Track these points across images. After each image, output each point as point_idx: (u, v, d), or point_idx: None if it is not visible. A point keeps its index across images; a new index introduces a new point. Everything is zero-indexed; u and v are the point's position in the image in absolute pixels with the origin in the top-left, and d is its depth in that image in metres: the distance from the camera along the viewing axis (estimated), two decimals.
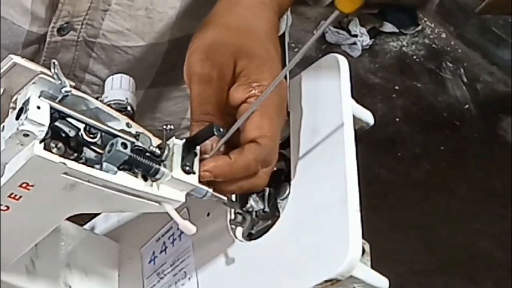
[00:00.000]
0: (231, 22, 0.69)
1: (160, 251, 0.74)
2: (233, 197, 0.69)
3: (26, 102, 0.56)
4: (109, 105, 0.64)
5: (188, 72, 0.67)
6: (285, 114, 0.67)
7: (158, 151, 0.62)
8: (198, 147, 0.64)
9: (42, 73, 0.60)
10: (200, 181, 0.63)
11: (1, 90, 0.60)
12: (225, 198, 0.66)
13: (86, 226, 0.81)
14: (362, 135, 0.68)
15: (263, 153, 0.64)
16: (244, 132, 0.64)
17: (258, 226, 0.68)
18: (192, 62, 0.67)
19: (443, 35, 2.87)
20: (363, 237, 0.59)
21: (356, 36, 2.73)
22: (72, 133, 0.60)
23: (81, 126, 0.60)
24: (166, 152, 0.62)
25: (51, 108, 0.57)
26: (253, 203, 0.68)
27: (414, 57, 2.79)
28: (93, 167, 0.58)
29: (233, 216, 0.68)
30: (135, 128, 0.62)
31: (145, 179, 0.61)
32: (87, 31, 0.82)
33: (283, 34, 0.75)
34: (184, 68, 0.68)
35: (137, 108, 0.67)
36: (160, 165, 0.61)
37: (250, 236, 0.68)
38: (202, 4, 0.77)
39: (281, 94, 0.66)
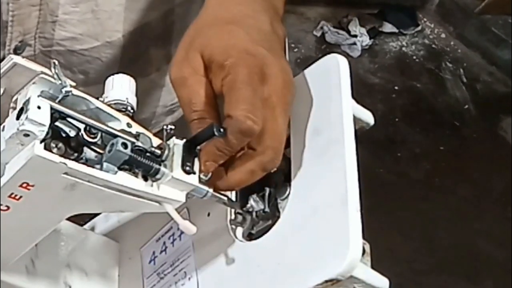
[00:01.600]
0: (198, 22, 0.70)
1: (160, 251, 0.74)
2: (233, 197, 0.69)
3: (27, 102, 0.56)
4: (109, 105, 0.64)
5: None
6: (266, 83, 0.65)
7: (158, 151, 0.62)
8: (198, 147, 0.64)
9: (42, 73, 0.60)
10: (209, 177, 0.63)
11: (1, 90, 0.60)
12: (225, 198, 0.66)
13: (86, 226, 0.81)
14: (362, 135, 0.68)
15: (236, 124, 0.62)
16: (224, 106, 0.64)
17: (258, 226, 0.68)
18: (169, 72, 0.68)
19: (443, 35, 2.87)
20: (363, 237, 0.59)
21: (356, 36, 2.73)
22: (72, 133, 0.60)
23: (82, 126, 0.60)
24: (166, 152, 0.62)
25: (52, 108, 0.57)
26: (253, 203, 0.68)
27: (414, 57, 2.79)
28: (93, 167, 0.58)
29: (233, 216, 0.68)
30: (136, 128, 0.62)
31: (146, 179, 0.61)
32: (42, 43, 0.83)
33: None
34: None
35: None
36: (160, 165, 0.61)
37: (250, 236, 0.68)
38: None
39: (250, 66, 0.64)
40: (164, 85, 0.95)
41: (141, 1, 0.84)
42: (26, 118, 0.55)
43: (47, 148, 0.56)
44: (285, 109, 0.65)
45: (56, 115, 0.58)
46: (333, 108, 0.67)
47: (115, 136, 0.60)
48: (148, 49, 0.89)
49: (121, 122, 0.62)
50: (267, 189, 0.68)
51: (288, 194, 0.67)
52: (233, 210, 0.68)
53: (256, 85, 0.64)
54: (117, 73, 0.68)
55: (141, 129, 0.62)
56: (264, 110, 0.63)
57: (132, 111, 0.65)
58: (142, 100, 0.95)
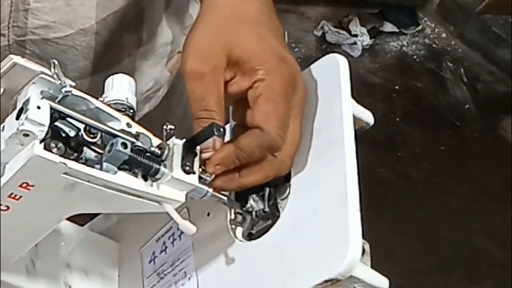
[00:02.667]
0: (219, 14, 0.69)
1: (160, 251, 0.74)
2: (233, 197, 0.69)
3: (26, 102, 0.56)
4: (109, 105, 0.64)
5: (181, 71, 0.67)
6: (295, 93, 0.66)
7: (158, 151, 0.62)
8: (198, 147, 0.64)
9: (42, 73, 0.60)
10: (215, 177, 0.64)
11: (1, 90, 0.60)
12: (225, 198, 0.66)
13: (86, 226, 0.81)
14: (362, 135, 0.68)
15: (266, 139, 0.63)
16: (251, 117, 0.64)
17: (258, 226, 0.68)
18: (183, 61, 0.67)
19: (443, 35, 2.87)
20: (363, 237, 0.59)
21: (356, 36, 2.72)
22: (72, 133, 0.60)
23: (81, 126, 0.60)
24: (166, 152, 0.62)
25: (51, 108, 0.57)
26: (253, 203, 0.68)
27: (414, 57, 2.79)
28: (93, 167, 0.58)
29: (233, 216, 0.68)
30: (135, 128, 0.62)
31: (145, 179, 0.61)
32: (15, 33, 0.83)
33: (283, 34, 0.75)
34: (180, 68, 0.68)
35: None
36: (160, 165, 0.61)
37: (250, 236, 0.68)
38: None
39: (284, 75, 0.65)
40: (136, 70, 0.94)
41: None
42: (26, 118, 0.55)
43: (47, 148, 0.56)
44: (302, 117, 0.67)
45: (56, 115, 0.58)
46: (333, 108, 0.67)
47: (115, 136, 0.60)
48: (121, 35, 0.88)
49: (121, 122, 0.62)
50: (267, 189, 0.68)
51: (288, 194, 0.67)
52: (233, 210, 0.68)
53: (290, 99, 0.65)
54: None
55: (141, 129, 0.62)
56: (290, 120, 0.65)
57: (132, 111, 0.65)
58: None
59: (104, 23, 0.85)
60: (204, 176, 0.63)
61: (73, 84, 0.60)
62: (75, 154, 0.58)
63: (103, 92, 0.67)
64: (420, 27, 2.87)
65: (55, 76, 0.59)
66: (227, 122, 0.68)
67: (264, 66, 0.65)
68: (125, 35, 0.88)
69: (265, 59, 0.65)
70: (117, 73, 0.69)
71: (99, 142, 0.61)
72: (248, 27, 0.67)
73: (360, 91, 2.45)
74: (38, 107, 0.55)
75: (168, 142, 0.62)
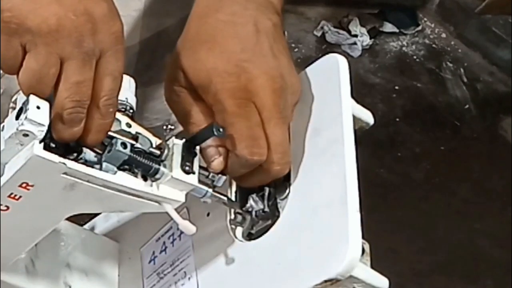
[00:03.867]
0: (185, 34, 0.69)
1: (160, 251, 0.74)
2: (233, 197, 0.69)
3: (26, 102, 0.56)
4: None
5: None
6: (258, 97, 0.64)
7: (157, 151, 0.62)
8: (198, 147, 0.64)
9: None
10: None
11: (1, 90, 0.60)
12: (225, 198, 0.66)
13: (86, 226, 0.81)
14: (362, 135, 0.68)
15: (245, 162, 0.65)
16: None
17: (258, 226, 0.68)
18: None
19: (443, 35, 2.87)
20: (363, 237, 0.59)
21: (356, 36, 2.72)
22: None
23: None
24: (166, 152, 0.62)
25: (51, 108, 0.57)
26: (253, 203, 0.68)
27: (414, 57, 2.78)
28: (92, 167, 0.58)
29: (233, 216, 0.68)
30: (135, 128, 0.62)
31: (145, 179, 0.61)
32: None
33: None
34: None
35: None
36: (160, 165, 0.61)
37: (250, 236, 0.68)
38: (166, 1, 0.77)
39: (235, 89, 0.64)
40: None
41: (159, 7, 0.82)
42: (26, 118, 0.55)
43: (47, 148, 0.56)
44: (281, 117, 0.65)
45: None
46: (332, 108, 0.67)
47: (114, 136, 0.60)
48: (164, 55, 0.88)
49: (120, 122, 0.62)
50: (267, 189, 0.68)
51: (288, 194, 0.67)
52: (232, 210, 0.68)
53: (246, 111, 0.64)
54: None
55: (140, 129, 0.62)
56: (261, 129, 0.64)
57: (131, 111, 0.65)
58: (156, 107, 0.95)
59: (147, 43, 0.84)
60: (210, 174, 0.64)
61: None
62: (75, 154, 0.58)
63: None
64: (420, 27, 2.86)
65: None
66: None
67: (212, 87, 0.64)
68: (168, 56, 0.88)
69: (211, 80, 0.64)
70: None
71: None
72: (199, 48, 0.66)
73: (360, 91, 2.45)
74: (38, 107, 0.55)
75: (168, 142, 0.62)
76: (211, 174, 0.64)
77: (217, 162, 0.65)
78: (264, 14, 0.68)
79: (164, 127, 0.63)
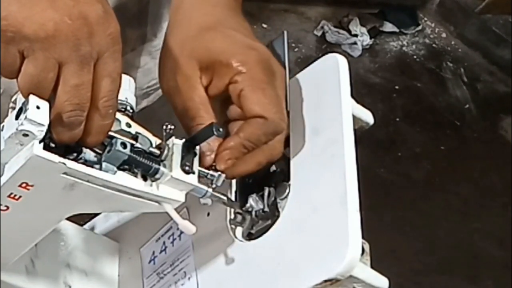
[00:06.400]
0: (181, 29, 0.70)
1: (160, 251, 0.74)
2: (233, 197, 0.69)
3: (26, 102, 0.56)
4: None
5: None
6: (274, 76, 0.68)
7: (157, 151, 0.62)
8: (197, 147, 0.64)
9: None
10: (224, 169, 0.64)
11: (1, 90, 0.60)
12: (225, 198, 0.66)
13: (86, 226, 0.81)
14: (362, 135, 0.68)
15: (271, 126, 0.65)
16: (245, 111, 0.66)
17: (258, 226, 0.68)
18: (159, 82, 0.70)
19: (444, 35, 2.87)
20: (363, 237, 0.59)
21: (356, 36, 2.72)
22: None
23: None
24: (165, 152, 0.62)
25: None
26: (253, 203, 0.68)
27: (414, 57, 2.79)
28: (92, 167, 0.58)
29: (232, 216, 0.68)
30: (135, 128, 0.62)
31: (145, 179, 0.61)
32: None
33: (283, 34, 0.75)
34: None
35: None
36: (159, 165, 0.61)
37: (249, 236, 0.68)
38: None
39: (260, 61, 0.67)
40: (139, 66, 0.94)
41: None
42: (25, 118, 0.55)
43: (46, 148, 0.56)
44: (263, 81, 0.67)
45: None
46: (332, 107, 0.67)
47: (114, 136, 0.60)
48: (124, 29, 0.88)
49: (120, 122, 0.62)
50: (267, 189, 0.68)
51: (288, 194, 0.67)
52: (232, 210, 0.68)
53: (273, 81, 0.67)
54: None
55: (140, 129, 0.62)
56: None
57: (131, 110, 0.65)
58: None
59: None
60: (209, 174, 0.64)
61: None
62: (75, 154, 0.58)
63: None
64: (420, 27, 2.87)
65: None
66: None
67: (236, 58, 0.66)
68: (128, 29, 0.88)
69: (235, 52, 0.67)
70: None
71: None
72: (210, 32, 0.69)
73: (360, 91, 2.45)
74: (38, 107, 0.55)
75: (167, 142, 0.62)
76: (210, 174, 0.64)
77: (210, 159, 0.65)
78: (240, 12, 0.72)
79: (164, 127, 0.63)
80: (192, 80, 0.67)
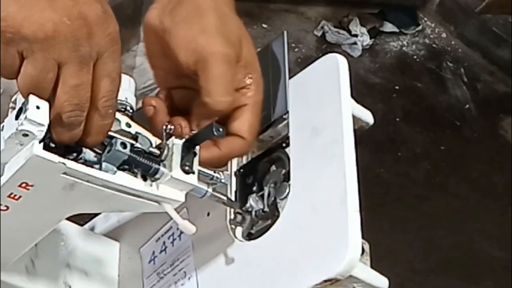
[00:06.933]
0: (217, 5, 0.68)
1: (160, 251, 0.74)
2: (233, 197, 0.69)
3: (26, 102, 0.56)
4: None
5: (203, 52, 0.65)
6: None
7: (157, 151, 0.62)
8: (197, 147, 0.64)
9: None
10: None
11: (1, 90, 0.60)
12: (225, 198, 0.66)
13: (86, 226, 0.81)
14: (362, 135, 0.68)
15: (246, 149, 0.67)
16: (236, 124, 0.66)
17: (258, 226, 0.68)
18: (207, 41, 0.65)
19: (444, 35, 2.87)
20: (363, 237, 0.59)
21: (356, 36, 2.72)
22: None
23: None
24: (165, 152, 0.62)
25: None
26: (253, 203, 0.68)
27: (415, 57, 2.79)
28: (92, 167, 0.58)
29: (232, 216, 0.68)
30: (135, 128, 0.62)
31: (145, 179, 0.61)
32: None
33: (283, 34, 0.75)
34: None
35: None
36: (159, 165, 0.61)
37: (249, 236, 0.68)
38: None
39: (262, 87, 0.68)
40: (135, 66, 0.94)
41: None
42: (25, 118, 0.55)
43: (46, 148, 0.56)
44: (260, 109, 0.68)
45: None
46: (332, 107, 0.67)
47: (114, 136, 0.60)
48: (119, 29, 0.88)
49: (120, 122, 0.62)
50: (267, 189, 0.68)
51: (288, 194, 0.67)
52: (232, 210, 0.68)
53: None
54: None
55: (140, 129, 0.62)
56: None
57: (131, 111, 0.65)
58: None
59: None
60: (214, 175, 0.64)
61: None
62: (75, 154, 0.58)
63: None
64: (420, 27, 2.87)
65: None
66: None
67: (254, 75, 0.67)
68: (123, 30, 0.88)
69: (256, 69, 0.67)
70: None
71: None
72: (245, 31, 0.68)
73: (360, 91, 2.45)
74: (38, 107, 0.55)
75: (167, 142, 0.62)
76: (216, 175, 0.64)
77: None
78: None
79: (164, 127, 0.63)
80: (236, 61, 0.66)
